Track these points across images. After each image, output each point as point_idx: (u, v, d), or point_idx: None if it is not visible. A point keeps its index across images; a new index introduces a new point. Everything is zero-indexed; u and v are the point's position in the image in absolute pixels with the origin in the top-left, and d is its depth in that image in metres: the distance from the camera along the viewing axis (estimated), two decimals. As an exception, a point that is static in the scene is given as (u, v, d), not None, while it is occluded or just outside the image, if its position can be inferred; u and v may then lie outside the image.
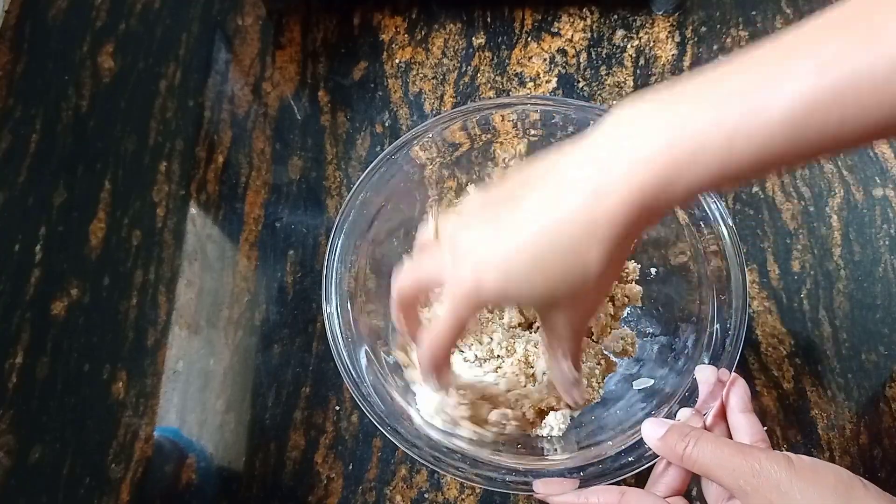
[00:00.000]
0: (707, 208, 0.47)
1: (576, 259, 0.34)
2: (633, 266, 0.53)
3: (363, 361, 0.45)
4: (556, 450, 0.46)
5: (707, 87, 0.31)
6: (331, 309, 0.45)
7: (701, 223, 0.47)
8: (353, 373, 0.44)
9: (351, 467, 0.52)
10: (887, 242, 0.56)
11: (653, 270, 0.53)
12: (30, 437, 0.52)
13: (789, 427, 0.51)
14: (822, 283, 0.55)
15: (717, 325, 0.45)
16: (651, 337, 0.51)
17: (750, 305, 0.54)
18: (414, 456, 0.42)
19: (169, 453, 0.52)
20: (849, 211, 0.57)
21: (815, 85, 0.28)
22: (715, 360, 0.44)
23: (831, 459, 0.50)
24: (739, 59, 0.30)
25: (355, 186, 0.48)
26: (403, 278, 0.41)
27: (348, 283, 0.46)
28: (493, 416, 0.45)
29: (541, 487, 0.41)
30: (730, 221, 0.46)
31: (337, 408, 0.53)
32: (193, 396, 0.54)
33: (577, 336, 0.41)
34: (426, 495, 0.51)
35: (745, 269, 0.46)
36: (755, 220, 0.57)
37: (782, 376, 0.53)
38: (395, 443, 0.42)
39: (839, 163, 0.59)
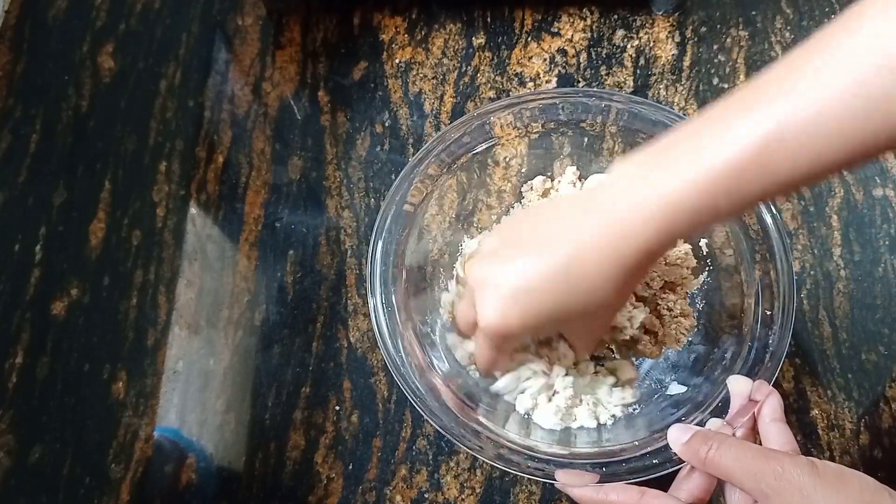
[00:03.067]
0: (767, 228, 0.47)
1: (589, 294, 0.39)
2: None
3: (400, 339, 0.47)
4: (581, 442, 0.46)
5: (672, 149, 0.36)
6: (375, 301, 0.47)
7: (763, 250, 0.48)
8: (390, 348, 0.46)
9: (351, 467, 0.52)
10: (887, 242, 0.56)
11: (701, 278, 0.52)
12: (30, 437, 0.52)
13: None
14: (822, 283, 0.55)
15: (758, 340, 0.45)
16: (689, 345, 0.51)
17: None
18: (439, 429, 0.43)
19: (169, 453, 0.52)
20: (849, 211, 0.57)
21: (754, 138, 0.32)
22: (752, 374, 0.43)
23: (831, 459, 0.50)
24: (704, 115, 0.35)
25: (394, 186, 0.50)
26: (459, 322, 0.48)
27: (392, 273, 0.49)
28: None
29: (561, 477, 0.41)
30: (787, 241, 0.47)
31: (337, 408, 0.53)
32: (193, 396, 0.54)
33: (592, 340, 0.47)
34: (426, 495, 0.51)
35: (795, 288, 0.46)
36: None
37: (782, 376, 0.53)
38: (423, 413, 0.44)
39: (839, 163, 0.59)
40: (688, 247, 0.52)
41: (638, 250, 0.37)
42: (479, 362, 0.47)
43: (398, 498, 0.51)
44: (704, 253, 0.52)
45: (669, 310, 0.51)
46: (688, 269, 0.52)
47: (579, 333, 0.46)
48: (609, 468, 0.41)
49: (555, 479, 0.41)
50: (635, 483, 0.40)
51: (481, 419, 0.45)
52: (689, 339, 0.51)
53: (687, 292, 0.52)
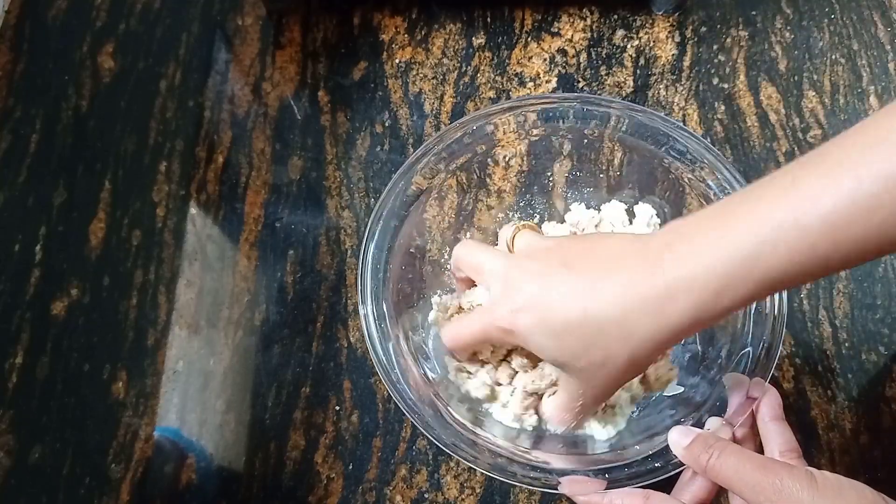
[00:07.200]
0: None
1: (604, 351, 0.37)
2: None
3: (392, 351, 0.46)
4: (582, 450, 0.46)
5: (748, 204, 0.34)
6: (366, 310, 0.46)
7: None
8: (382, 358, 0.45)
9: (351, 467, 0.52)
10: (887, 242, 0.56)
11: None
12: (30, 437, 0.52)
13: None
14: (822, 283, 0.55)
15: (752, 337, 0.45)
16: (684, 345, 0.50)
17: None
18: (436, 443, 0.42)
19: (169, 453, 0.52)
20: (849, 211, 0.57)
21: (852, 192, 0.30)
22: (748, 372, 0.43)
23: (831, 460, 0.50)
24: (777, 173, 0.33)
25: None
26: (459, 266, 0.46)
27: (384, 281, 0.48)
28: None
29: (566, 486, 0.41)
30: None
31: (337, 408, 0.53)
32: (193, 396, 0.54)
33: (578, 406, 0.43)
34: (426, 495, 0.51)
35: None
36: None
37: (782, 376, 0.53)
38: (416, 424, 0.43)
39: (839, 163, 0.59)
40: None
41: (688, 318, 0.35)
42: (456, 333, 0.45)
43: (398, 498, 0.51)
44: None
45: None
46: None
47: (577, 386, 0.42)
48: (611, 473, 0.41)
49: (553, 489, 0.41)
50: (638, 487, 0.40)
51: (477, 428, 0.44)
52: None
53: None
